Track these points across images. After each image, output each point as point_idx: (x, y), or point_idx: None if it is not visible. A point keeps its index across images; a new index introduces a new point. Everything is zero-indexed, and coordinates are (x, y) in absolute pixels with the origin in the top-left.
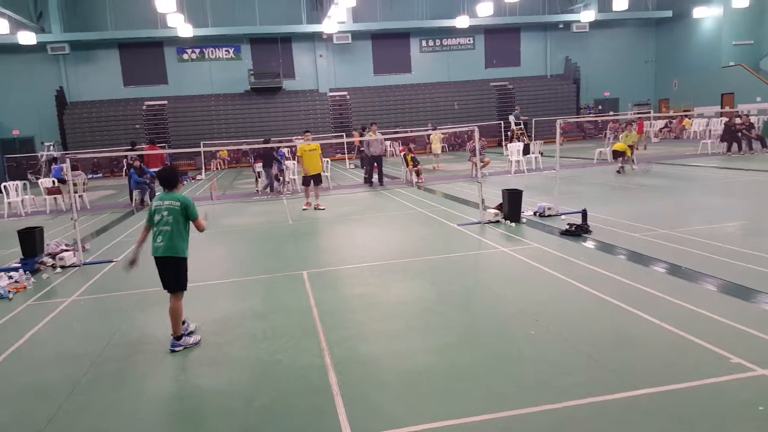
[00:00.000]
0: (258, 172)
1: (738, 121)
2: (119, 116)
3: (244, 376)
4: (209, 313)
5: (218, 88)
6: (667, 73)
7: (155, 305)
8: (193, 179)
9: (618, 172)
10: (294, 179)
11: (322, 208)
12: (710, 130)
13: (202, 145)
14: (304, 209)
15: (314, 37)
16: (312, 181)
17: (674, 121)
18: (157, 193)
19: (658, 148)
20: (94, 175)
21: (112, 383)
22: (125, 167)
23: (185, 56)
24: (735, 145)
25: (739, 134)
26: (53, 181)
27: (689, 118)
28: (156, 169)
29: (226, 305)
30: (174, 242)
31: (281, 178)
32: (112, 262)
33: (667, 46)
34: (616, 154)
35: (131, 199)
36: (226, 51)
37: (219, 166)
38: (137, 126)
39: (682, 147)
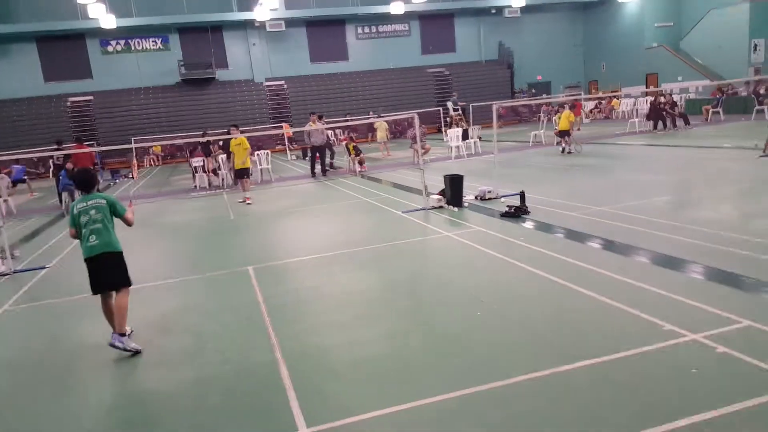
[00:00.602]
0: (195, 168)
1: (662, 100)
2: (41, 114)
3: (193, 376)
4: (153, 314)
5: (147, 80)
6: (596, 56)
7: (92, 311)
8: (125, 177)
9: (563, 152)
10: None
11: (249, 202)
12: (637, 110)
13: (132, 141)
14: (239, 201)
15: (246, 25)
16: (242, 175)
17: (603, 101)
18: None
19: (589, 129)
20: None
21: (53, 392)
22: (51, 167)
23: (110, 48)
24: (660, 123)
25: (664, 113)
26: None
27: (617, 99)
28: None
29: (170, 305)
30: (109, 238)
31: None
32: (45, 268)
33: (595, 29)
34: (563, 134)
35: (60, 201)
36: (153, 42)
37: (153, 163)
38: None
39: (611, 127)
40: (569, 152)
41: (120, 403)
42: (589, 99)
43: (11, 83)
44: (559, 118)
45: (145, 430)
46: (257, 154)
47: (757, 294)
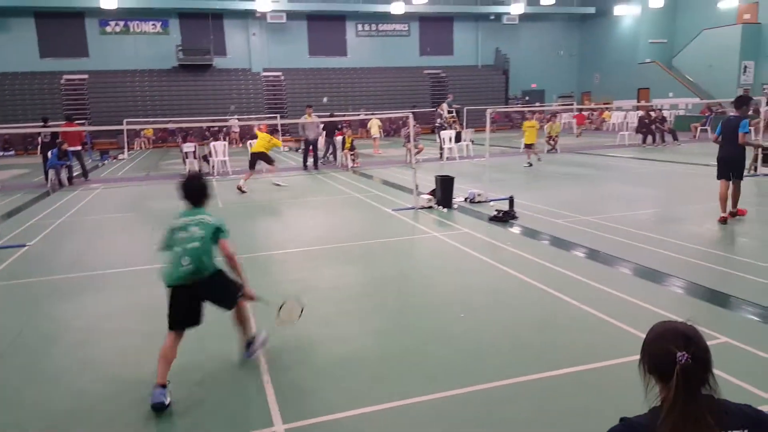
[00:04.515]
0: (185, 153)
1: (652, 114)
2: (35, 90)
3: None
4: (134, 300)
5: (143, 63)
6: (590, 67)
7: (70, 293)
8: (114, 159)
9: (530, 165)
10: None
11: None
12: (627, 123)
13: (125, 123)
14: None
15: (247, 15)
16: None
17: (595, 113)
18: (75, 171)
19: (579, 139)
20: (6, 153)
21: (24, 376)
22: (39, 145)
23: (108, 29)
24: (649, 138)
25: (653, 127)
26: None
27: (608, 111)
28: (74, 149)
29: (151, 292)
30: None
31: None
32: (25, 246)
33: (591, 41)
34: (528, 146)
35: (47, 179)
36: (152, 25)
37: (143, 146)
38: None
39: (601, 138)
40: (529, 164)
41: (96, 389)
42: (581, 110)
43: (7, 57)
44: (550, 127)
45: (123, 415)
46: (249, 143)
47: (736, 312)
